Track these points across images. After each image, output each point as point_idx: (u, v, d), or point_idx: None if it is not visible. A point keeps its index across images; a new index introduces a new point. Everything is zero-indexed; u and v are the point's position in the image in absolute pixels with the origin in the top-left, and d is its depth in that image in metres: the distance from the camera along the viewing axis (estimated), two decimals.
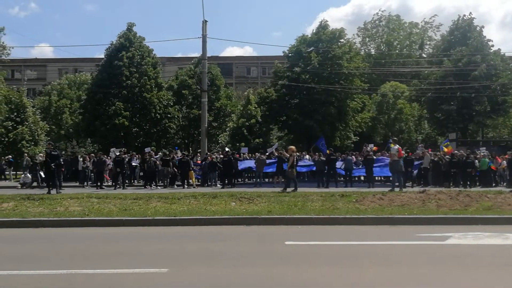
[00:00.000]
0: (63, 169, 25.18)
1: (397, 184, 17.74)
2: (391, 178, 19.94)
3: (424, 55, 54.98)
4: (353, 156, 25.59)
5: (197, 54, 37.90)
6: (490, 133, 44.29)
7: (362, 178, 26.45)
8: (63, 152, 24.94)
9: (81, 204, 13.33)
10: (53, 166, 18.90)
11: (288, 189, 17.92)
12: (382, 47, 55.12)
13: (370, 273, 6.21)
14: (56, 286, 5.89)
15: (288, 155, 19.53)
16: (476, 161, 23.40)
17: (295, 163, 19.42)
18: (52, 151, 19.70)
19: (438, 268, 6.38)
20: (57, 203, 13.65)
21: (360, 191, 16.17)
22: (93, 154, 28.17)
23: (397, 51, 53.68)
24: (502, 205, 12.36)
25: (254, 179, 26.14)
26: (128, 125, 34.13)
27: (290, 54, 36.95)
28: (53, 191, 18.36)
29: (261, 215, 10.71)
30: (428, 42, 56.92)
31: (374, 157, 24.18)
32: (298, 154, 26.52)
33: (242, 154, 26.91)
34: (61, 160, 20.60)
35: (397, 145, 18.41)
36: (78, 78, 47.57)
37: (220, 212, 11.26)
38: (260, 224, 10.15)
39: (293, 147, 21.40)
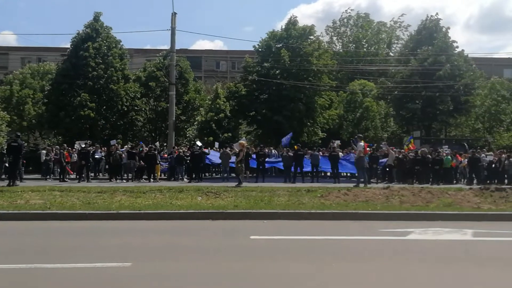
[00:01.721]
0: (24, 161, 24.72)
1: (362, 180, 18.03)
2: (356, 174, 20.22)
3: (392, 54, 55.93)
4: (320, 152, 25.84)
5: (166, 46, 37.48)
6: (453, 131, 45.47)
7: (328, 174, 26.79)
8: (25, 144, 24.14)
9: (43, 197, 13.02)
10: (10, 158, 18.32)
11: (243, 184, 17.93)
12: (350, 45, 55.75)
13: (333, 267, 6.29)
14: (13, 281, 5.71)
15: (238, 150, 19.63)
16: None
17: (243, 158, 19.53)
18: (13, 142, 19.04)
19: (398, 262, 6.53)
20: (17, 195, 13.31)
21: (326, 187, 16.40)
22: (57, 146, 27.50)
23: (364, 49, 54.38)
24: (461, 201, 12.74)
25: (221, 174, 26.08)
26: (94, 117, 33.41)
27: (260, 49, 36.97)
28: (16, 183, 17.90)
29: (227, 209, 10.70)
30: (396, 41, 57.91)
31: (340, 153, 24.48)
32: (268, 149, 26.76)
33: (209, 149, 26.74)
34: (23, 151, 19.78)
35: (363, 142, 18.71)
36: (42, 68, 46.15)
37: (185, 207, 11.18)
38: (226, 219, 10.14)
39: (243, 142, 21.53)
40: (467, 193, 14.51)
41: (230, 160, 23.57)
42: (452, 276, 5.86)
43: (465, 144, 30.44)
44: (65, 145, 26.33)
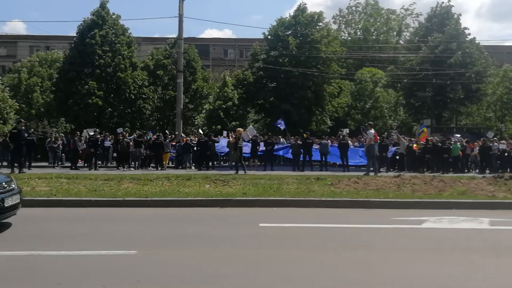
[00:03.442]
0: (34, 148, 24.67)
1: (371, 168, 17.74)
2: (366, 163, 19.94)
3: (402, 42, 55.15)
4: (329, 141, 25.54)
5: (174, 35, 37.03)
6: (464, 120, 44.87)
7: (337, 164, 26.54)
8: (31, 131, 24.02)
9: (49, 185, 12.88)
10: (12, 145, 18.21)
11: (240, 172, 17.83)
12: (359, 33, 55.06)
13: (345, 256, 6.06)
14: (15, 267, 5.55)
15: (233, 137, 19.56)
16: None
17: (239, 145, 19.44)
18: (13, 128, 18.94)
19: (415, 252, 6.28)
20: (23, 183, 13.13)
21: (336, 175, 16.14)
22: (62, 134, 27.49)
23: (373, 37, 53.68)
24: (475, 190, 12.40)
25: (229, 162, 25.88)
26: (102, 105, 33.31)
27: (269, 37, 36.55)
28: (23, 170, 17.82)
29: (235, 197, 10.46)
30: (405, 30, 57.09)
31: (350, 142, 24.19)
32: (275, 138, 26.53)
33: (219, 137, 26.52)
34: (27, 139, 19.45)
35: (373, 130, 18.38)
36: (50, 56, 46.09)
37: (193, 194, 10.96)
38: (234, 206, 9.90)
39: (240, 129, 21.30)
40: (481, 182, 14.16)
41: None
42: (472, 266, 5.61)
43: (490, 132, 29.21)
44: (78, 132, 26.25)
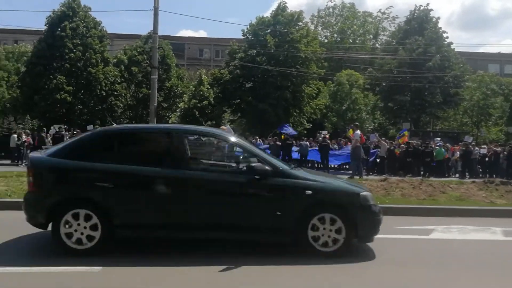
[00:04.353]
0: None
1: (356, 172, 16.96)
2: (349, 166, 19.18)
3: (378, 46, 55.11)
4: (308, 142, 24.82)
5: (148, 33, 35.62)
6: (440, 125, 44.92)
7: (315, 165, 25.87)
8: None
9: (8, 184, 11.60)
10: None
11: None
12: (335, 35, 54.76)
13: (354, 273, 5.20)
14: None
15: None
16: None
17: None
18: None
19: (437, 266, 5.51)
20: None
21: None
22: (28, 131, 25.97)
23: (350, 40, 53.45)
24: (470, 195, 11.75)
25: None
26: (71, 101, 31.77)
27: (247, 35, 35.66)
28: None
29: None
30: (382, 33, 57.11)
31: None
32: (255, 138, 25.67)
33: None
34: None
35: (359, 131, 17.59)
36: (17, 50, 44.05)
37: None
38: None
39: (224, 127, 20.24)
40: (471, 187, 13.55)
41: None
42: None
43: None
44: (45, 129, 24.77)
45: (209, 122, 32.93)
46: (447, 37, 38.36)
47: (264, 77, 33.35)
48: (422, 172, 22.56)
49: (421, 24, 38.47)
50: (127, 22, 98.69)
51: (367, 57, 46.20)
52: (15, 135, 24.74)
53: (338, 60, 47.83)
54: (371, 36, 56.28)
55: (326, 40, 53.14)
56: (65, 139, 22.97)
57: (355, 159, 16.91)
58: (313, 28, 54.33)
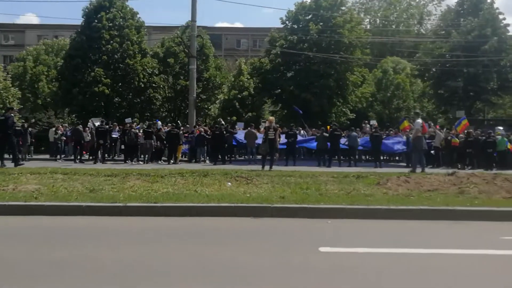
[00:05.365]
0: (33, 140, 22.99)
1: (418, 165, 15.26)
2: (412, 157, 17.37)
3: (423, 31, 52.52)
4: (355, 133, 23.21)
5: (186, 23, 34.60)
6: (491, 113, 42.18)
7: (363, 157, 24.35)
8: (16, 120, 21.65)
9: (41, 182, 10.68)
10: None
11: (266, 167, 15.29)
12: (378, 21, 52.57)
13: None
14: None
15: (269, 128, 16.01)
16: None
17: (269, 136, 15.79)
18: (0, 116, 16.53)
19: None
20: (11, 179, 10.98)
21: (374, 172, 13.86)
22: (66, 125, 25.54)
23: (393, 26, 51.14)
24: None
25: (245, 156, 23.72)
26: (109, 94, 31.17)
27: (287, 22, 34.15)
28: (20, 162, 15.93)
29: (273, 203, 7.87)
30: (427, 18, 54.41)
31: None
32: (298, 130, 24.32)
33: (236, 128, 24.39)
34: (13, 128, 16.93)
35: (421, 119, 15.84)
36: (56, 44, 44.09)
37: (216, 197, 8.42)
38: (273, 216, 7.38)
39: (271, 118, 18.62)
40: None
41: (256, 141, 21.07)
42: None
43: None
44: (79, 122, 24.24)
45: (249, 113, 31.76)
46: (504, 18, 35.60)
47: (306, 65, 31.88)
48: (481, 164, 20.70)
49: (475, 4, 35.80)
50: (163, 15, 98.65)
51: (413, 43, 43.82)
52: (53, 129, 24.37)
53: (381, 47, 45.75)
54: (415, 22, 53.69)
55: (368, 27, 51.08)
56: (112, 133, 22.31)
57: (417, 150, 15.17)
58: (356, 14, 52.42)
